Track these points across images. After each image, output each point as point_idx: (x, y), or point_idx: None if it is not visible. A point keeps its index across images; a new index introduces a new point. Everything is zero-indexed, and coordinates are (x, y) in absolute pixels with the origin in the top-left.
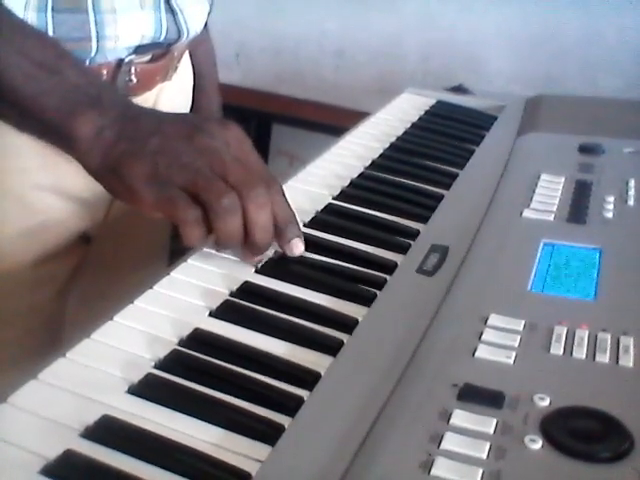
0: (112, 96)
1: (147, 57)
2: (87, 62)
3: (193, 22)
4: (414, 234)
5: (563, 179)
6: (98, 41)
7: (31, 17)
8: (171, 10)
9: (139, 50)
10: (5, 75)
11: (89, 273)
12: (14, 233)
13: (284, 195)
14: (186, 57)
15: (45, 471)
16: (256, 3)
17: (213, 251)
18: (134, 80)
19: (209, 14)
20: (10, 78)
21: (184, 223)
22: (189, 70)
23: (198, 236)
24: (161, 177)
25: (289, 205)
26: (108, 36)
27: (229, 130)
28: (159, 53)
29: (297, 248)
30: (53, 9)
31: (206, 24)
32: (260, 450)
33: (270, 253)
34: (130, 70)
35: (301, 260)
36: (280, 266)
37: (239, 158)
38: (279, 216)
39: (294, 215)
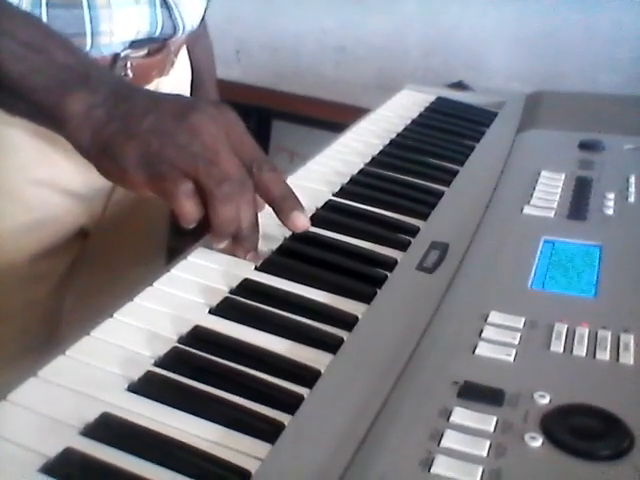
0: (102, 74)
1: (143, 52)
2: None
3: (189, 17)
4: (414, 231)
5: (563, 176)
6: (93, 36)
7: None
8: (166, 5)
9: (135, 45)
10: None
11: (86, 269)
12: (11, 229)
13: (279, 172)
14: (183, 52)
15: (45, 469)
16: (256, 0)
17: (208, 250)
18: (130, 75)
19: (206, 9)
20: None
21: (176, 195)
22: (187, 65)
23: (191, 210)
24: (153, 157)
25: (284, 181)
26: (103, 31)
27: (222, 112)
28: (155, 48)
29: (300, 221)
30: (47, 4)
31: (204, 19)
32: (260, 448)
33: (266, 250)
34: (126, 65)
35: (301, 257)
36: (280, 263)
37: (231, 140)
38: (273, 193)
39: (291, 190)
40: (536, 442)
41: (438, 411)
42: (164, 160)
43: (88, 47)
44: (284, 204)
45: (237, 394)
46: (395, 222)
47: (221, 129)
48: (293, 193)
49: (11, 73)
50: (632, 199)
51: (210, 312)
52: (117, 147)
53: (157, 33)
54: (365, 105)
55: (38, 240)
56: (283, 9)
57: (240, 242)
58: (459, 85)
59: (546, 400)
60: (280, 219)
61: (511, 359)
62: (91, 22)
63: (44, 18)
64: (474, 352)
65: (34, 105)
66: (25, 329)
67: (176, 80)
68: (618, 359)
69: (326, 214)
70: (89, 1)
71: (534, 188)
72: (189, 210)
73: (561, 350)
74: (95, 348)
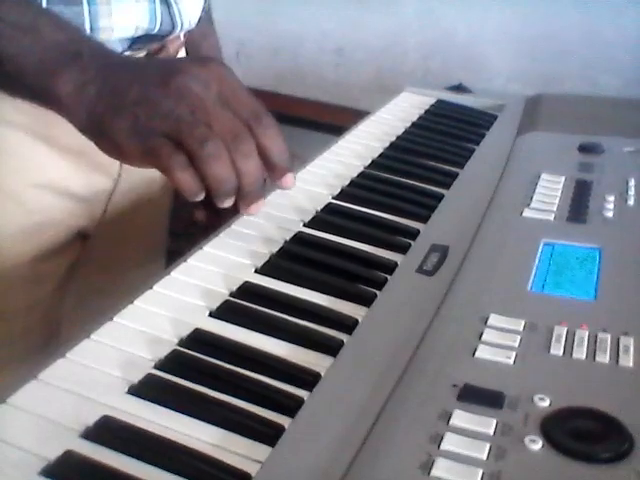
0: (93, 50)
1: (142, 53)
2: None
3: (188, 14)
4: (414, 234)
5: (563, 178)
6: (92, 32)
7: None
8: (165, 1)
9: (134, 46)
10: None
11: (86, 271)
12: (12, 231)
13: (275, 129)
14: (182, 53)
15: (45, 472)
16: (256, 2)
17: (220, 253)
18: None
19: (208, 8)
20: None
21: (170, 170)
22: None
23: (189, 181)
24: (143, 128)
25: (282, 140)
26: (102, 27)
27: (209, 68)
28: (154, 49)
29: (289, 182)
30: (47, 0)
31: (212, 18)
32: (260, 451)
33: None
34: None
35: (301, 260)
36: (280, 266)
37: (221, 98)
38: (271, 153)
39: (287, 150)
40: (536, 445)
41: (438, 414)
42: (152, 131)
43: None
44: (279, 166)
45: (237, 397)
46: (395, 225)
47: (209, 86)
48: (288, 153)
49: (2, 55)
50: (632, 202)
51: (210, 315)
52: (107, 123)
53: (156, 30)
54: (365, 108)
55: (38, 242)
56: (283, 11)
57: (242, 198)
58: (459, 87)
59: (546, 403)
60: (271, 177)
61: (511, 362)
62: (90, 18)
63: None
64: (474, 355)
65: (27, 86)
66: (26, 331)
67: None
68: (618, 362)
69: (326, 217)
70: None
71: (534, 191)
72: (187, 182)
73: (561, 353)
74: (95, 351)
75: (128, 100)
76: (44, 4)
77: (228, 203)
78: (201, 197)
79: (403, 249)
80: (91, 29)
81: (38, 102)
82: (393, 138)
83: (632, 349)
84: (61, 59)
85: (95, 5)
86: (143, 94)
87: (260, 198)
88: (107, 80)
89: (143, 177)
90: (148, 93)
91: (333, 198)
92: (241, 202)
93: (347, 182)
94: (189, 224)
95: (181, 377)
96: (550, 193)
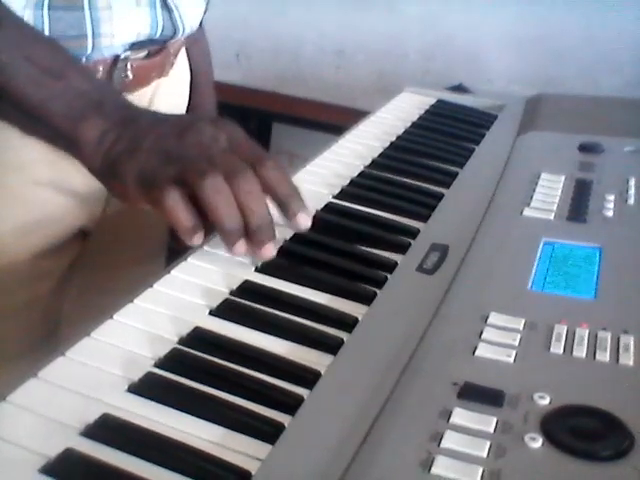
0: (114, 100)
1: (143, 53)
2: (83, 59)
3: (189, 19)
4: (414, 233)
5: (563, 178)
6: (94, 38)
7: (28, 15)
8: (167, 7)
9: (135, 47)
10: (13, 81)
11: (86, 268)
12: (12, 229)
13: (283, 170)
14: (182, 53)
15: (45, 470)
16: (256, 3)
17: (221, 252)
18: (130, 76)
19: (205, 12)
20: (18, 84)
21: (164, 202)
22: (186, 65)
23: (183, 215)
24: (150, 173)
25: (289, 180)
26: (104, 33)
27: (219, 127)
28: (155, 49)
29: (304, 222)
30: (50, 7)
31: (201, 22)
32: (260, 449)
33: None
34: (126, 66)
35: (301, 259)
36: (280, 265)
37: (226, 149)
38: (278, 191)
39: (296, 189)
40: (536, 443)
41: (438, 412)
42: (160, 175)
43: (89, 49)
44: (290, 204)
45: (237, 395)
46: (395, 224)
47: (217, 139)
48: (298, 191)
49: (31, 98)
50: (632, 201)
51: (210, 313)
52: (120, 165)
53: (157, 35)
54: (365, 108)
55: (38, 240)
56: (283, 12)
57: (251, 237)
58: (459, 88)
59: (546, 401)
60: (285, 218)
61: (511, 360)
62: (92, 24)
63: (46, 20)
64: (474, 353)
65: (51, 129)
66: (26, 329)
67: (175, 81)
68: (618, 360)
69: (326, 216)
70: (90, 3)
71: (534, 190)
72: (181, 216)
73: (561, 351)
74: (95, 349)
75: (144, 146)
76: (46, 10)
77: (239, 246)
78: (198, 240)
79: (403, 248)
80: (92, 35)
81: (57, 144)
82: (393, 138)
83: (632, 348)
84: (87, 107)
85: (96, 11)
86: (158, 143)
87: (271, 239)
88: (126, 128)
89: None
90: (162, 142)
91: (333, 197)
92: (251, 242)
93: (347, 182)
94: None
95: (181, 375)
96: (550, 192)
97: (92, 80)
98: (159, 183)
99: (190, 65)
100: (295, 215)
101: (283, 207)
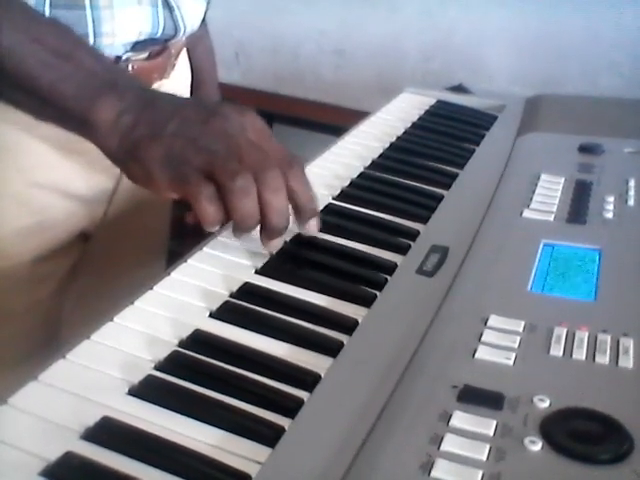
0: (128, 80)
1: (144, 54)
2: None
3: (190, 18)
4: (414, 234)
5: (563, 179)
6: (95, 37)
7: None
8: (168, 6)
9: (136, 47)
10: (22, 64)
11: (87, 271)
12: (13, 231)
13: (305, 175)
14: (183, 55)
15: (45, 473)
16: (256, 2)
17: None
18: None
19: (206, 11)
20: (27, 67)
21: (197, 199)
22: (187, 67)
23: (213, 213)
24: (176, 159)
25: (310, 185)
26: (105, 32)
27: (245, 115)
28: (156, 50)
29: (314, 227)
30: (51, 5)
31: (205, 21)
32: (260, 452)
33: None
34: (127, 67)
35: (301, 261)
36: (280, 267)
37: (255, 141)
38: (298, 196)
39: (315, 196)
40: (536, 446)
41: (438, 415)
42: (186, 161)
43: None
44: (308, 212)
45: (237, 398)
46: (395, 225)
47: (245, 130)
48: (316, 198)
49: (41, 80)
50: (632, 202)
51: (210, 316)
52: (142, 150)
53: (159, 34)
54: (365, 108)
55: (40, 243)
56: (283, 12)
57: (266, 232)
58: (459, 88)
59: (546, 404)
60: (297, 222)
61: (511, 363)
62: (93, 23)
63: None
64: (474, 356)
65: (64, 111)
66: (26, 331)
67: (176, 83)
68: (617, 363)
69: (326, 218)
70: (91, 2)
71: (534, 191)
72: (211, 214)
73: (561, 354)
74: (95, 352)
75: (167, 131)
76: (47, 9)
77: (244, 238)
78: (217, 229)
79: (403, 250)
80: (94, 34)
81: (69, 127)
82: (393, 138)
83: (632, 350)
84: (100, 87)
85: (98, 10)
86: (182, 128)
87: (281, 235)
88: (144, 110)
89: None
90: (187, 128)
91: (333, 199)
92: (264, 236)
93: (347, 183)
94: (180, 225)
95: (181, 378)
96: (550, 194)
97: (103, 60)
98: (190, 177)
99: (193, 63)
100: (308, 221)
101: (301, 212)
